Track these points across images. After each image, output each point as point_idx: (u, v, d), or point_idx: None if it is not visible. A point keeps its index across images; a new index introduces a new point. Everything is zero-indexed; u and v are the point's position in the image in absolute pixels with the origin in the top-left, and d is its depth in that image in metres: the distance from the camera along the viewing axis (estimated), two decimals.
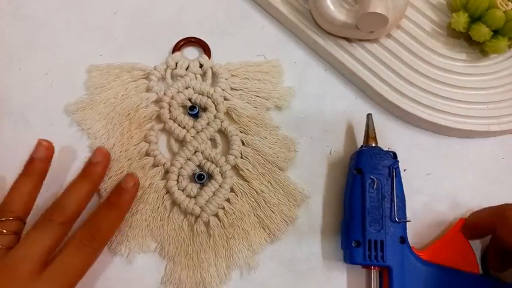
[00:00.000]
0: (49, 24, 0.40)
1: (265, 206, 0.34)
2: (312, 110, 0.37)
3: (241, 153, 0.35)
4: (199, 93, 0.36)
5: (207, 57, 0.38)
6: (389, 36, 0.37)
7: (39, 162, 0.31)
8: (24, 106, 0.37)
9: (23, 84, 0.38)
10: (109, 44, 0.40)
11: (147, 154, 0.35)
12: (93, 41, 0.40)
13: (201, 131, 0.35)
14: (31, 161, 0.31)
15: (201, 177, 0.34)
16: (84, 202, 0.31)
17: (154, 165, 0.35)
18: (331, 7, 0.36)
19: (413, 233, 0.33)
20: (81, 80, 0.38)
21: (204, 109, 0.36)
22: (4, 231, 0.28)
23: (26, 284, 0.27)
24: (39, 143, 0.32)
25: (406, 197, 0.31)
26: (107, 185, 0.34)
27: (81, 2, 0.41)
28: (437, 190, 0.35)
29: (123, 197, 0.31)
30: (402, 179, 0.31)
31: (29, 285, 0.27)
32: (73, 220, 0.30)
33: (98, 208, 0.31)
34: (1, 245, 0.28)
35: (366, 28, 0.35)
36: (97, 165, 0.32)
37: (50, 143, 0.32)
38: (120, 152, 0.35)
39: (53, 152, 0.32)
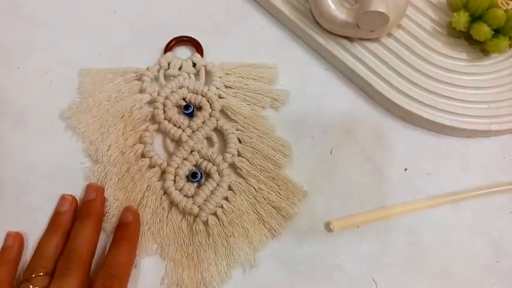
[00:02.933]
0: (48, 24, 0.40)
1: (265, 202, 0.33)
2: (312, 109, 0.37)
3: (238, 151, 0.35)
4: (194, 92, 0.36)
5: (199, 56, 0.38)
6: (390, 35, 0.37)
7: (64, 215, 0.33)
8: (23, 105, 0.37)
9: (22, 84, 0.38)
10: (109, 43, 0.39)
11: (143, 155, 0.35)
12: (92, 40, 0.40)
13: (197, 130, 0.35)
14: (56, 215, 0.33)
15: (195, 175, 0.34)
16: (94, 241, 0.31)
17: (151, 167, 0.35)
18: (332, 6, 0.36)
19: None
20: None
21: (199, 108, 0.36)
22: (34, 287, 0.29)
23: None
24: (63, 197, 0.34)
25: (406, 196, 0.31)
26: (109, 192, 0.34)
27: (81, 2, 0.41)
28: (438, 190, 0.35)
29: (127, 231, 0.32)
30: (403, 179, 0.31)
31: None
32: (90, 261, 0.31)
33: (109, 248, 0.31)
34: None
35: (366, 27, 0.35)
36: (94, 201, 0.33)
37: (73, 197, 0.34)
38: (117, 155, 0.35)
39: (77, 204, 0.34)
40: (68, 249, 0.31)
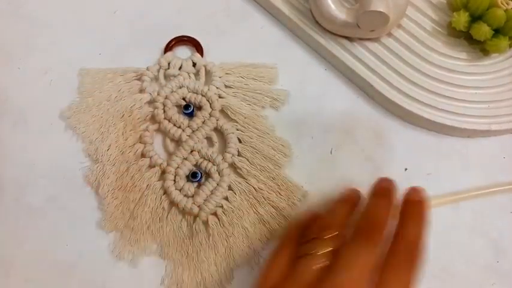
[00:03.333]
0: (48, 24, 0.40)
1: (265, 202, 0.33)
2: (312, 109, 0.37)
3: (238, 151, 0.35)
4: (194, 92, 0.36)
5: (199, 56, 0.38)
6: (390, 35, 0.37)
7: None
8: (23, 105, 0.37)
9: (22, 84, 0.38)
10: (108, 43, 0.39)
11: (143, 155, 0.35)
12: (92, 40, 0.40)
13: (197, 129, 0.35)
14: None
15: (195, 175, 0.34)
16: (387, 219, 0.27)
17: (151, 166, 0.35)
18: (332, 6, 0.36)
19: None
20: None
21: (199, 108, 0.36)
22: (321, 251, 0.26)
23: None
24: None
25: None
26: (108, 191, 0.34)
27: (81, 2, 0.41)
28: (438, 190, 0.35)
29: (418, 208, 0.28)
30: (403, 179, 0.31)
31: None
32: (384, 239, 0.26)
33: (400, 226, 0.27)
34: (315, 265, 0.25)
35: (366, 27, 0.35)
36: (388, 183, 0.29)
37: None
38: (116, 154, 0.35)
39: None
40: (368, 221, 0.27)
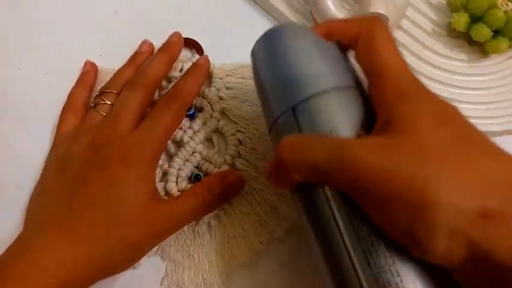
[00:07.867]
0: (49, 24, 0.40)
1: (265, 203, 0.33)
2: None
3: (238, 153, 0.35)
4: None
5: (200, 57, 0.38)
6: None
7: (141, 55, 0.37)
8: (24, 106, 0.37)
9: (22, 84, 0.38)
10: (109, 43, 0.39)
11: None
12: (93, 40, 0.40)
13: (198, 131, 0.35)
14: (136, 54, 0.38)
15: (198, 177, 0.34)
16: (163, 71, 0.35)
17: None
18: (332, 7, 0.36)
19: None
20: None
21: (200, 109, 0.36)
22: (106, 101, 0.33)
23: (121, 139, 0.30)
24: (144, 41, 0.38)
25: None
26: None
27: (81, 2, 0.41)
28: None
29: (199, 65, 0.36)
30: None
31: (123, 140, 0.30)
32: (154, 85, 0.34)
33: (180, 77, 0.35)
34: (103, 112, 0.33)
35: None
36: (174, 42, 0.37)
37: (151, 43, 0.38)
38: None
39: (154, 49, 0.38)
40: (138, 72, 0.35)
